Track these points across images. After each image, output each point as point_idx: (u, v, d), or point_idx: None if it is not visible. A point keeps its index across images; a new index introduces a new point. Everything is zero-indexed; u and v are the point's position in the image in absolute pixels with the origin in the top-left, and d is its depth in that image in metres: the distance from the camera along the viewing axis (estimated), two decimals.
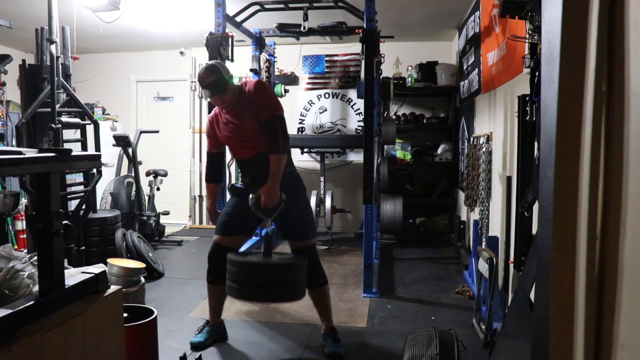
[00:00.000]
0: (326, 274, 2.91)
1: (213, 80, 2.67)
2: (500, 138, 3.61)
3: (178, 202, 6.85)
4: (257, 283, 2.51)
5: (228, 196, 3.08)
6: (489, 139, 3.94)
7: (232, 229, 2.84)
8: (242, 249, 3.16)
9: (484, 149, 3.99)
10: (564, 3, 0.84)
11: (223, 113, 2.82)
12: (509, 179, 3.15)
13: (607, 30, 0.81)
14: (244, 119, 2.74)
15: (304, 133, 6.59)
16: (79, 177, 4.25)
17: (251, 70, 5.23)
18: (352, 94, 6.46)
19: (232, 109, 2.75)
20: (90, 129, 3.94)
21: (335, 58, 6.56)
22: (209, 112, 3.92)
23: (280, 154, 2.65)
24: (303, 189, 2.90)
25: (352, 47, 6.36)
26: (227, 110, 2.78)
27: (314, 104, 6.65)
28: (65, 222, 1.50)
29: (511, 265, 2.89)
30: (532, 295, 1.92)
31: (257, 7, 4.42)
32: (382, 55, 4.51)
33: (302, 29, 4.52)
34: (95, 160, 1.83)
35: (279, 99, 5.78)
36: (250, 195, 2.65)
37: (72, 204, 3.80)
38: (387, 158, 5.68)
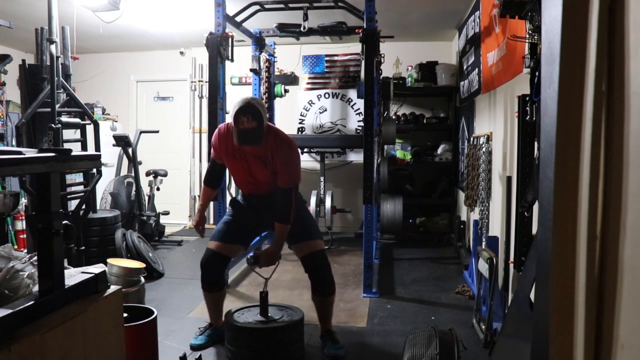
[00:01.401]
0: None
1: (253, 128, 2.44)
2: (500, 138, 3.61)
3: (178, 202, 6.86)
4: (256, 348, 2.61)
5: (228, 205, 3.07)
6: (489, 139, 3.94)
7: (231, 237, 2.80)
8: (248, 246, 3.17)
9: (484, 149, 3.99)
10: (564, 3, 0.84)
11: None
12: (509, 179, 3.15)
13: (607, 30, 0.81)
14: (257, 163, 2.66)
15: (304, 133, 6.58)
16: (79, 177, 4.25)
17: (251, 70, 5.22)
18: (352, 94, 6.45)
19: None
20: (90, 129, 3.94)
21: (335, 58, 6.56)
22: (209, 112, 3.93)
23: (288, 224, 2.64)
24: (303, 202, 2.93)
25: (352, 47, 6.35)
26: None
27: (314, 104, 6.65)
28: (65, 222, 1.50)
29: (511, 265, 2.89)
30: (532, 295, 1.91)
31: (257, 7, 4.41)
32: (382, 55, 4.51)
33: (302, 29, 4.52)
34: (95, 160, 1.83)
35: (279, 99, 5.86)
36: (249, 255, 2.73)
37: (72, 204, 3.80)
38: (387, 158, 5.68)
